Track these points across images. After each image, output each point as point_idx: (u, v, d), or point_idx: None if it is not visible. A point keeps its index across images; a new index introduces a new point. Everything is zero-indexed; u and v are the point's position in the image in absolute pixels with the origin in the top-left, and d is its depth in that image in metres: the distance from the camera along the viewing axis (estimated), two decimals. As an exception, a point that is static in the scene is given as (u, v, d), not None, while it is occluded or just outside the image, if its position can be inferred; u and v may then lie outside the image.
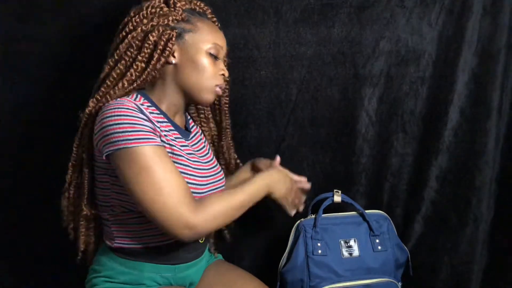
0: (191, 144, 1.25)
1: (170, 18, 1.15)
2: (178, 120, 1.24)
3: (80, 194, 1.19)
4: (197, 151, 1.25)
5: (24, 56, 1.45)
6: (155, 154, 1.04)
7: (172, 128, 1.18)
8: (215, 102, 1.34)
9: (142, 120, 1.05)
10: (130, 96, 1.12)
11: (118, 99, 1.09)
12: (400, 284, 1.40)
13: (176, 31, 1.15)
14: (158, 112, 1.16)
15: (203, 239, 1.27)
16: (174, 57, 1.16)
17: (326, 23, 1.52)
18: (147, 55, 1.13)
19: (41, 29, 1.44)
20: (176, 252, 1.20)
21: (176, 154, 1.13)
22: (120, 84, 1.12)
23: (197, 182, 1.15)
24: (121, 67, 1.13)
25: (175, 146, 1.14)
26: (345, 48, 1.52)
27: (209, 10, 1.25)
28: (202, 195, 1.16)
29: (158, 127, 1.11)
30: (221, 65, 1.21)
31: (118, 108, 1.05)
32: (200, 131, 1.36)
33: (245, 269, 1.40)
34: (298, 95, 1.54)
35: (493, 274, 1.56)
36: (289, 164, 1.55)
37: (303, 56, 1.52)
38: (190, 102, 1.23)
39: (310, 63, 1.53)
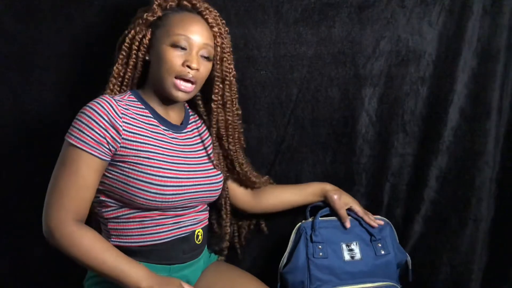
0: (182, 138, 1.26)
1: (145, 18, 1.21)
2: (173, 115, 1.27)
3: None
4: (185, 146, 1.26)
5: (24, 56, 1.45)
6: (82, 162, 1.10)
7: (155, 123, 1.21)
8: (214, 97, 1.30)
9: (99, 127, 1.10)
10: (120, 93, 1.22)
11: (104, 96, 1.16)
12: (400, 287, 1.40)
13: (151, 29, 1.21)
14: (143, 107, 1.21)
15: (200, 240, 1.26)
16: (149, 53, 1.22)
17: (327, 23, 1.51)
18: (125, 58, 1.22)
19: (41, 29, 1.44)
20: (171, 252, 1.20)
21: (141, 150, 1.15)
22: (109, 87, 1.23)
23: (164, 175, 1.15)
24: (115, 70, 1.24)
25: (146, 142, 1.16)
26: (346, 48, 1.52)
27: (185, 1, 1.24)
28: (178, 188, 1.17)
29: (124, 122, 1.13)
30: (190, 56, 1.17)
31: (90, 107, 1.12)
32: (202, 130, 1.36)
33: (245, 270, 1.40)
34: (298, 95, 1.54)
35: (493, 274, 1.56)
36: (289, 164, 1.56)
37: (303, 56, 1.52)
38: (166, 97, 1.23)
39: (311, 63, 1.52)
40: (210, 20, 1.23)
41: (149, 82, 1.24)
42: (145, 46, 1.21)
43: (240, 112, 1.37)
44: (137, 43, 1.21)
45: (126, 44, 1.22)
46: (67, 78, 1.47)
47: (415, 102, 1.55)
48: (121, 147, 1.13)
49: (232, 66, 1.30)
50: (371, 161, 1.57)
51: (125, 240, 1.18)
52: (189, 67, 1.16)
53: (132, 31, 1.22)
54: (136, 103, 1.21)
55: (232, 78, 1.30)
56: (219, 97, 1.30)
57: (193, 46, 1.18)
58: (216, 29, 1.23)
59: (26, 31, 1.43)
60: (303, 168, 1.56)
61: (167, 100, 1.24)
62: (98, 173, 1.13)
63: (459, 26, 1.52)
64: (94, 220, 1.25)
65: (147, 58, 1.22)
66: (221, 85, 1.29)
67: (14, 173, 1.50)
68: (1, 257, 1.54)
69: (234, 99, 1.33)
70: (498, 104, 1.53)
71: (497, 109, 1.52)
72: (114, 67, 1.22)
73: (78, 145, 1.09)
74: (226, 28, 1.28)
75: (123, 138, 1.13)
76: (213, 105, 1.29)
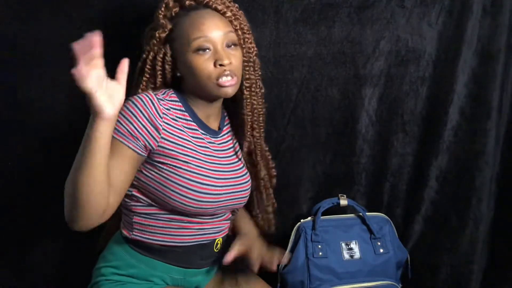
0: (218, 142, 1.24)
1: (158, 36, 1.16)
2: (212, 119, 1.23)
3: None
4: (221, 151, 1.23)
5: (24, 56, 1.45)
6: (115, 150, 1.05)
7: (194, 126, 1.18)
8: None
9: (137, 122, 1.08)
10: (161, 90, 1.17)
11: (148, 92, 1.13)
12: (400, 286, 1.40)
13: (168, 45, 1.17)
14: (184, 109, 1.17)
15: (219, 249, 1.26)
16: (177, 69, 1.17)
17: (327, 23, 1.51)
18: (150, 81, 1.19)
19: (41, 29, 1.44)
20: (189, 256, 1.20)
21: (181, 153, 1.13)
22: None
23: (202, 181, 1.14)
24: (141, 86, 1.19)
25: (185, 146, 1.13)
26: (346, 48, 1.52)
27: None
28: (215, 196, 1.16)
29: (164, 123, 1.11)
30: (216, 54, 1.11)
31: (132, 101, 1.10)
32: (233, 135, 1.31)
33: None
34: (298, 95, 1.54)
35: (493, 274, 1.56)
36: (289, 164, 1.56)
37: (303, 56, 1.52)
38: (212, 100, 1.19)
39: (311, 63, 1.52)
40: (219, 8, 1.15)
41: (187, 89, 1.19)
42: (170, 63, 1.17)
43: (263, 91, 1.29)
44: (160, 63, 1.17)
45: (148, 67, 1.17)
46: (67, 78, 1.46)
47: (415, 102, 1.55)
48: (159, 146, 1.11)
49: (253, 45, 1.23)
50: (371, 161, 1.57)
51: (147, 237, 1.17)
52: (221, 65, 1.11)
53: (151, 53, 1.17)
54: (177, 104, 1.17)
55: (255, 57, 1.24)
56: (247, 81, 1.22)
57: (216, 43, 1.12)
58: (229, 13, 1.16)
59: (26, 31, 1.43)
60: (303, 168, 1.56)
61: (210, 102, 1.20)
62: (132, 163, 1.09)
63: (459, 26, 1.52)
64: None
65: (178, 74, 1.17)
66: (247, 68, 1.22)
67: (14, 172, 1.50)
68: (1, 255, 1.54)
69: (257, 80, 1.26)
70: (498, 104, 1.53)
71: (497, 109, 1.53)
72: (139, 90, 1.17)
73: (114, 135, 1.05)
74: (240, 11, 1.21)
75: (162, 138, 1.11)
76: (245, 91, 1.22)
